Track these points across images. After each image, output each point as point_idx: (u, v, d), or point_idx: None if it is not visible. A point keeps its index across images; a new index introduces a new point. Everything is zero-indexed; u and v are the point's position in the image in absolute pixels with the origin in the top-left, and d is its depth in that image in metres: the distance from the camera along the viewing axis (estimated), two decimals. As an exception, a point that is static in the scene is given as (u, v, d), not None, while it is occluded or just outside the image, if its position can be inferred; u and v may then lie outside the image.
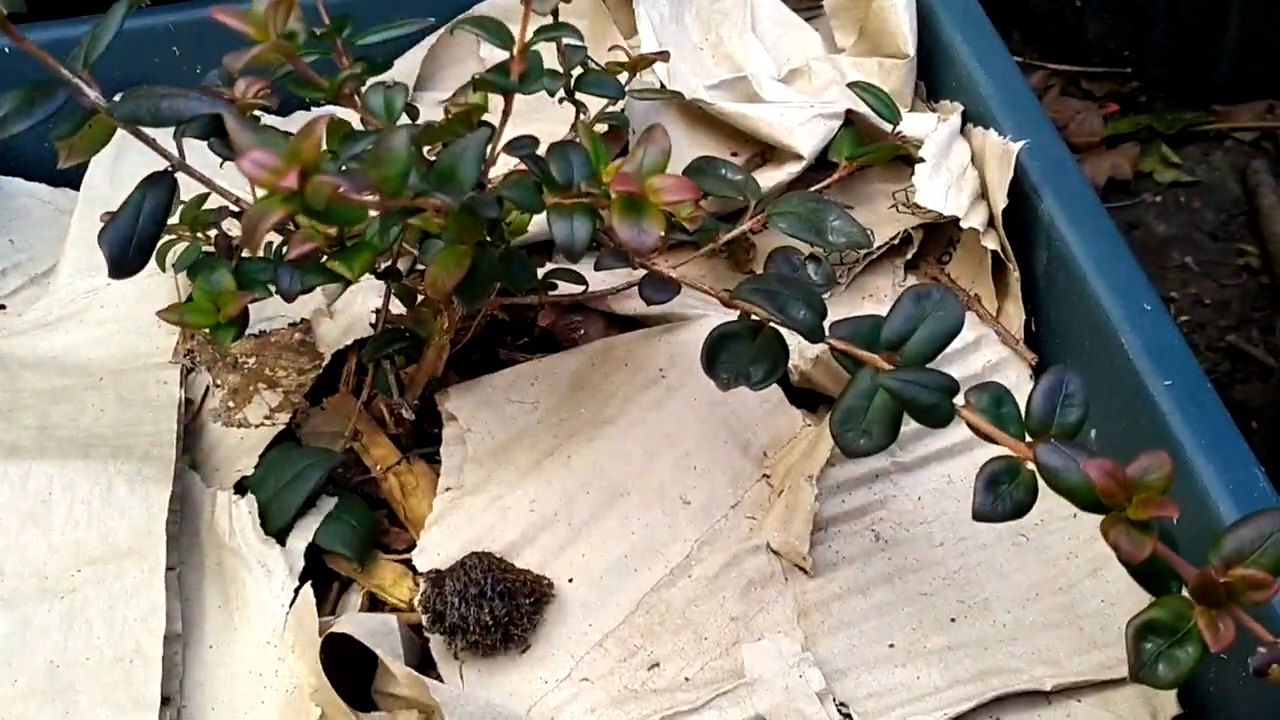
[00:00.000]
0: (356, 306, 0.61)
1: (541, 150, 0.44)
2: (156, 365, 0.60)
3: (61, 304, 0.64)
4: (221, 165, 0.55)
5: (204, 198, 0.59)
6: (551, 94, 0.52)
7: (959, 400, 0.41)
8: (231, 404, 0.59)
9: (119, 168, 0.68)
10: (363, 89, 0.44)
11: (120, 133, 0.74)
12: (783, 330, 0.46)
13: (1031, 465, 0.39)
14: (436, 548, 0.51)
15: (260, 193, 0.32)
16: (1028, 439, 0.40)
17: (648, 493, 0.52)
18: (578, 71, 0.53)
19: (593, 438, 0.54)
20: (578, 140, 0.42)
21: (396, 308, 0.57)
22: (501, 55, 0.69)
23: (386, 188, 0.34)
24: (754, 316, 0.46)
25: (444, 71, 0.74)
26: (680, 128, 0.66)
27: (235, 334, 0.49)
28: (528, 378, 0.57)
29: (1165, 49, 1.13)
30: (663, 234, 0.39)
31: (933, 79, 0.67)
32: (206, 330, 0.49)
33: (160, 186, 0.47)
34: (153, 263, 0.49)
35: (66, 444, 0.54)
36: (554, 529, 0.52)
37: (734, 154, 0.66)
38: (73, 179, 0.74)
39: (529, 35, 0.44)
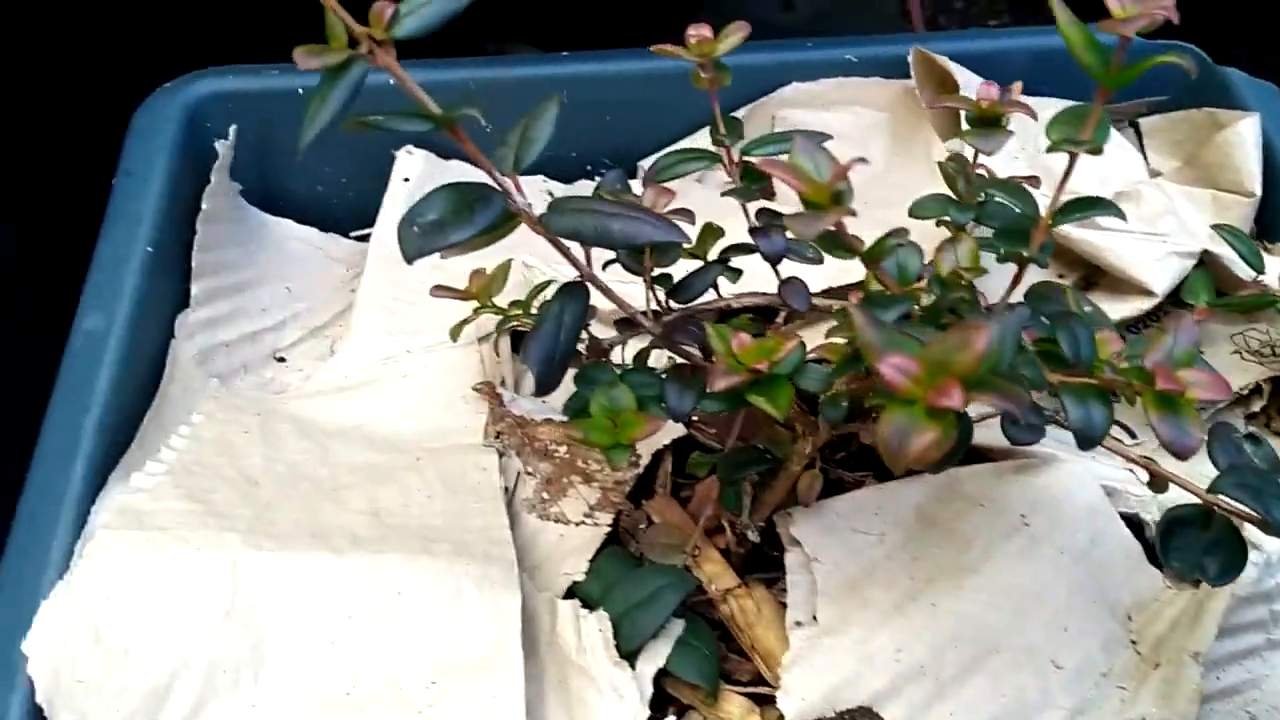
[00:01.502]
0: (674, 405, 0.59)
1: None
2: (470, 447, 0.58)
3: (359, 368, 0.62)
4: (605, 268, 0.53)
5: (547, 284, 0.57)
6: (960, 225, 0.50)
7: None
8: (545, 495, 0.57)
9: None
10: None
11: (405, 185, 0.72)
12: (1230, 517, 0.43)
13: None
14: (801, 690, 0.49)
15: (896, 397, 0.29)
16: None
17: (1018, 652, 0.50)
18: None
19: (958, 585, 0.51)
20: (1076, 311, 0.40)
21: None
22: None
23: (972, 380, 0.31)
24: (1201, 501, 0.43)
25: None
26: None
27: (628, 456, 0.46)
28: (870, 507, 0.55)
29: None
30: (1203, 436, 0.36)
31: (1271, 221, 0.64)
32: (600, 449, 0.46)
33: (576, 298, 0.45)
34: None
35: (405, 535, 0.52)
36: (921, 682, 0.49)
37: (1060, 275, 0.64)
38: (340, 225, 0.71)
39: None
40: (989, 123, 0.47)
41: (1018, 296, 0.42)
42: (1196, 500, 0.44)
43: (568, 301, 0.45)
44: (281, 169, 0.69)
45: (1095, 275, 0.63)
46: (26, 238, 0.78)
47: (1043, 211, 0.41)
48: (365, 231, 0.70)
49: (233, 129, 0.64)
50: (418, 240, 0.42)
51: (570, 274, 0.44)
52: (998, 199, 0.49)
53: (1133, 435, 0.59)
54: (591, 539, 0.55)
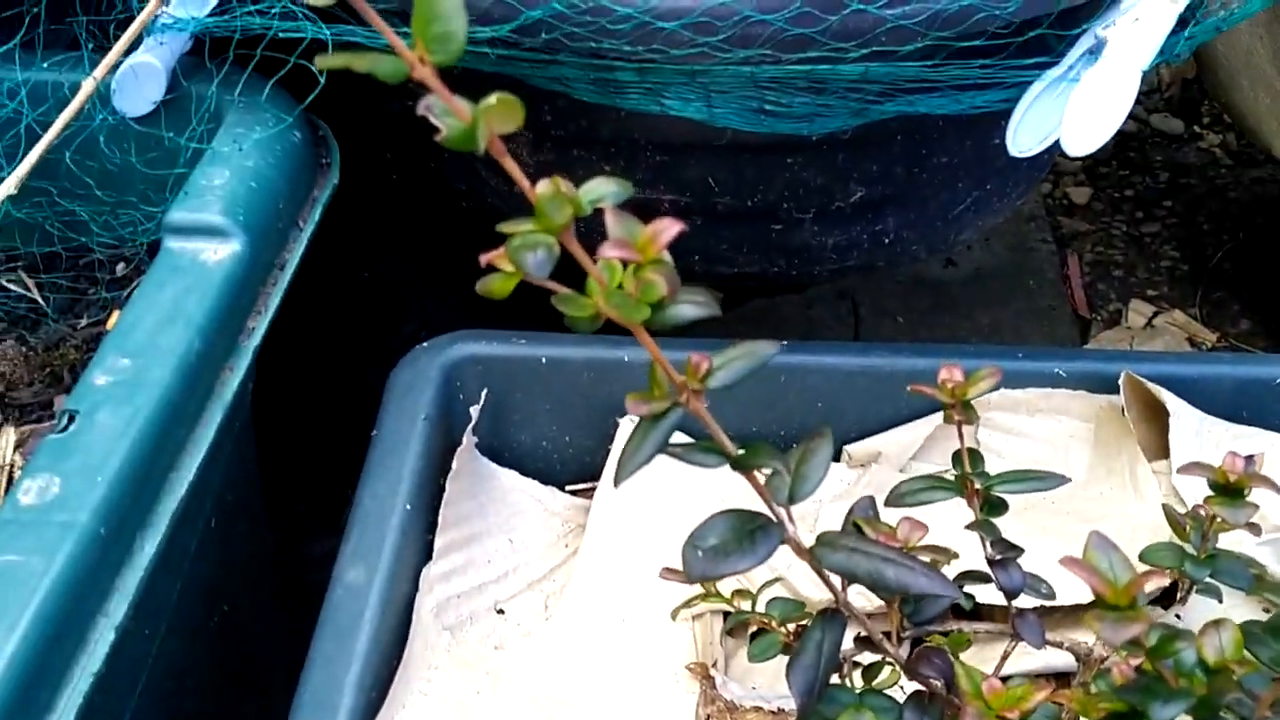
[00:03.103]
0: (882, 706, 0.60)
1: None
2: (685, 730, 0.60)
3: (576, 637, 0.65)
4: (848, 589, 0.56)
5: (773, 581, 0.60)
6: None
7: None
8: (754, 788, 0.59)
9: (628, 500, 0.70)
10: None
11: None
12: None
13: None
14: None
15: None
16: None
17: None
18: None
19: None
20: None
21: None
22: (1001, 443, 0.69)
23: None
24: None
25: (933, 450, 0.75)
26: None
27: (868, 784, 0.48)
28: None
29: None
30: None
31: None
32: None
33: (835, 626, 0.48)
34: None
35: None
36: None
37: (1266, 610, 0.64)
38: (557, 478, 0.76)
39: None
40: (1234, 493, 0.49)
41: None
42: None
43: (828, 628, 0.48)
44: (513, 424, 0.75)
45: (1304, 614, 0.64)
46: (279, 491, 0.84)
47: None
48: (580, 485, 0.75)
49: (484, 392, 0.70)
50: (701, 564, 0.46)
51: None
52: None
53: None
54: (799, 841, 0.56)
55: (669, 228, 0.40)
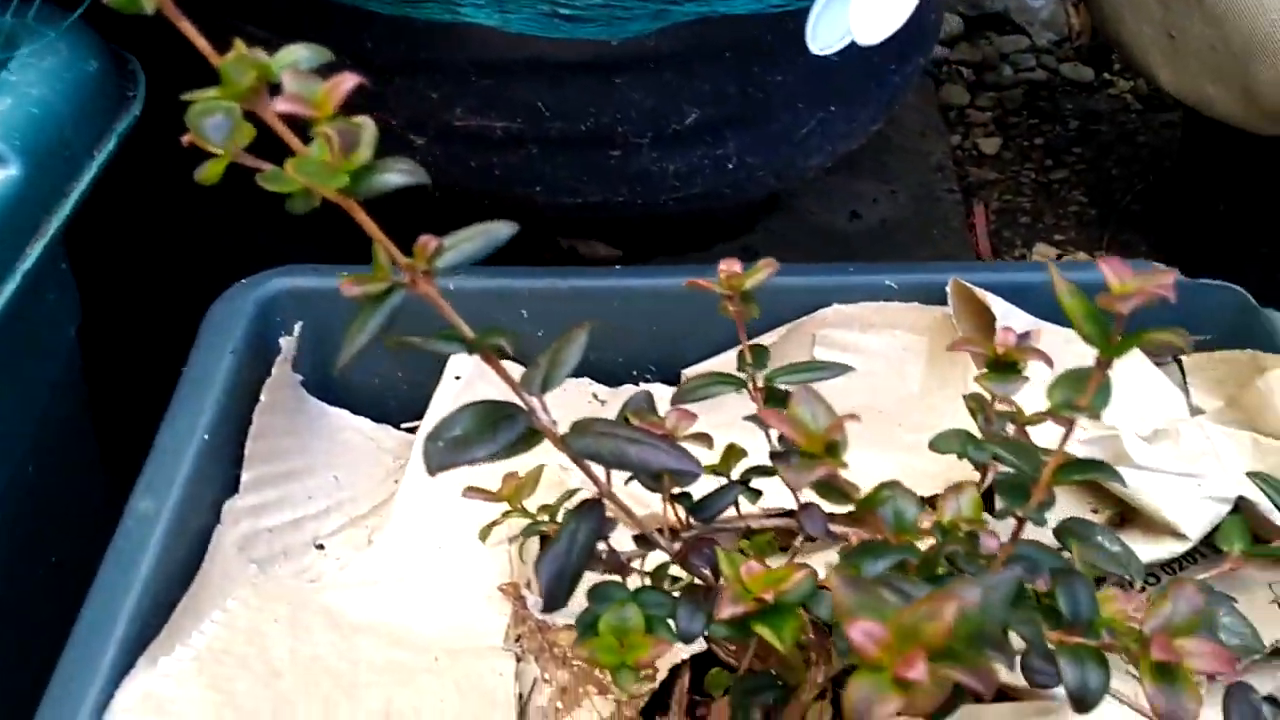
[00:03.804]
0: (697, 619, 0.59)
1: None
2: (490, 650, 0.58)
3: (390, 563, 0.63)
4: (627, 483, 0.55)
5: (575, 493, 0.58)
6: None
7: None
8: (560, 704, 0.57)
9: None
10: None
11: (455, 383, 0.75)
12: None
13: None
14: None
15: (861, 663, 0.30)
16: None
17: None
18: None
19: (970, 833, 0.50)
20: (1077, 569, 0.40)
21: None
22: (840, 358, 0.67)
23: (948, 653, 0.31)
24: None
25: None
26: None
27: (638, 678, 0.47)
28: (886, 739, 0.54)
29: None
30: (1200, 707, 0.36)
31: (1314, 465, 0.64)
32: (608, 669, 0.47)
33: (592, 517, 0.46)
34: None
35: (414, 741, 0.52)
36: None
37: (1094, 510, 0.63)
38: (392, 416, 0.75)
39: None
40: (1006, 368, 0.48)
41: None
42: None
43: (583, 519, 0.46)
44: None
45: (1129, 512, 0.62)
46: (107, 431, 0.82)
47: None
48: (415, 424, 0.73)
49: (298, 325, 0.69)
50: (441, 455, 0.44)
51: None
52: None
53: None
54: (601, 754, 0.54)
55: (347, 80, 0.38)
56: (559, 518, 0.57)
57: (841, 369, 0.53)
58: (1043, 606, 0.39)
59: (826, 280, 0.72)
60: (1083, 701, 0.37)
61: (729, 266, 0.53)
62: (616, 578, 0.52)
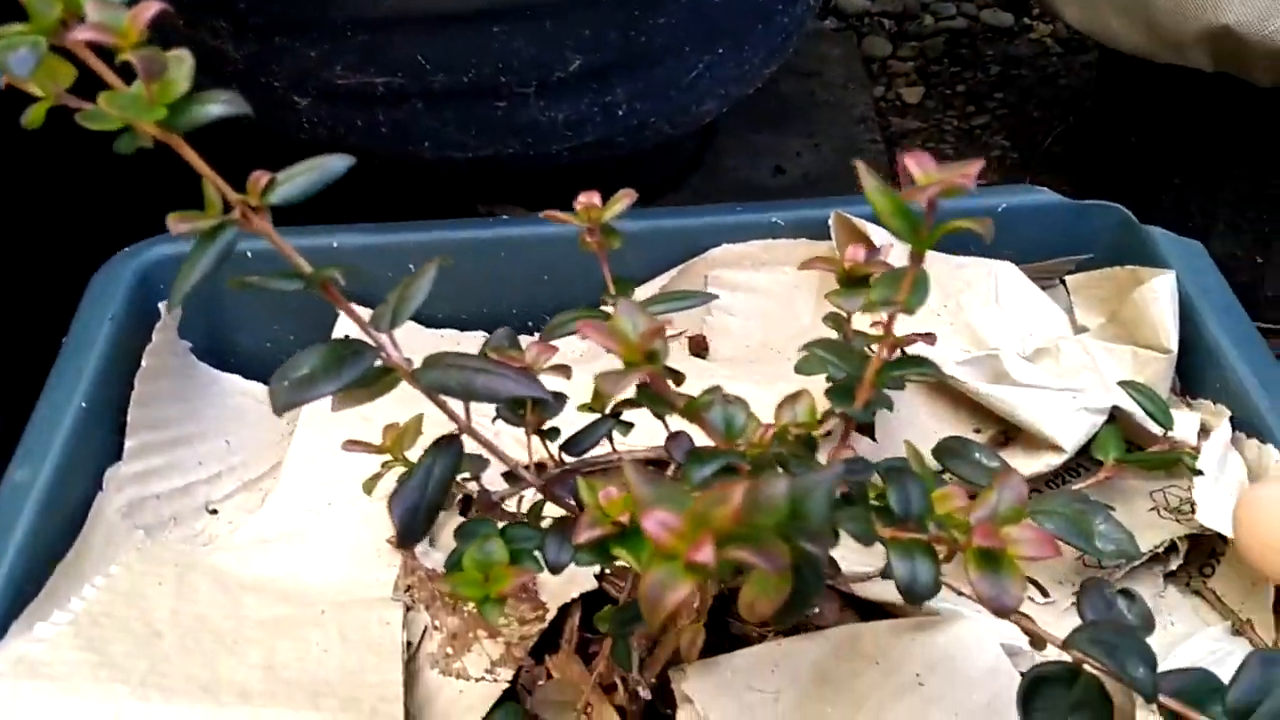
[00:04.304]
0: (584, 558, 0.59)
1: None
2: (378, 600, 0.58)
3: (279, 522, 0.63)
4: (494, 422, 0.55)
5: (454, 436, 0.58)
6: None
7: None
8: (450, 650, 0.57)
9: (347, 381, 0.68)
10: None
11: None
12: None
13: None
14: None
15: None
16: None
17: (905, 817, 0.48)
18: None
19: (845, 747, 0.50)
20: (912, 467, 0.40)
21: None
22: (737, 302, 0.68)
23: (765, 542, 0.32)
24: (1070, 658, 0.42)
25: (669, 309, 0.73)
26: (920, 397, 0.65)
27: (503, 609, 0.47)
28: (768, 663, 0.54)
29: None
30: (1024, 592, 0.36)
31: (1190, 376, 0.64)
32: (473, 603, 0.47)
33: (449, 452, 0.46)
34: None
35: (294, 689, 0.52)
36: None
37: (977, 430, 0.64)
38: (289, 379, 0.74)
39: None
40: (854, 283, 0.48)
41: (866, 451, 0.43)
42: (1066, 658, 0.43)
43: (440, 454, 0.46)
44: (230, 326, 0.72)
45: (1013, 431, 0.63)
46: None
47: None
48: (312, 387, 0.73)
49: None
50: (286, 393, 0.44)
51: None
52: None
53: (1045, 594, 0.58)
54: (489, 695, 0.54)
55: (149, 7, 0.37)
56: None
57: (707, 297, 0.53)
58: (879, 506, 0.39)
59: (715, 220, 0.72)
60: (912, 593, 0.37)
61: (587, 199, 0.52)
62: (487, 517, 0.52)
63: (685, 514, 0.30)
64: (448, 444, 0.46)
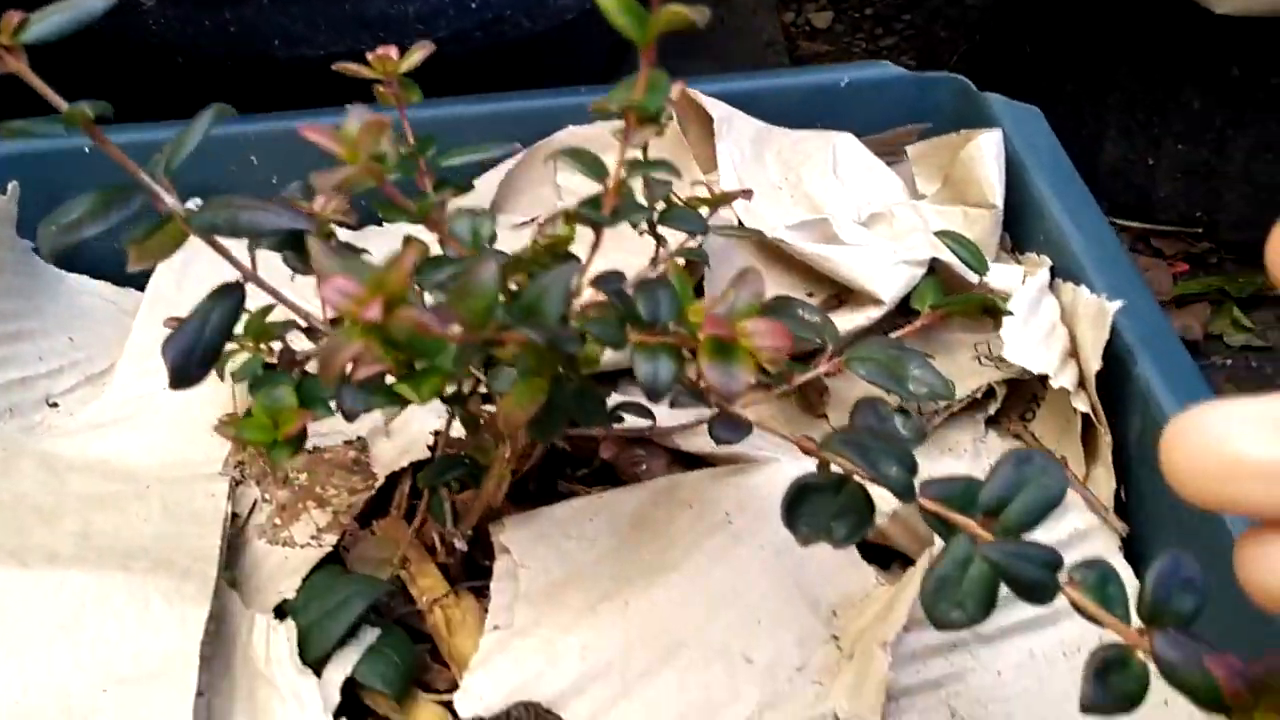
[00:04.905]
0: (414, 427, 0.59)
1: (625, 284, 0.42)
2: (206, 476, 0.58)
3: (114, 406, 0.63)
4: (293, 279, 0.54)
5: (269, 309, 0.58)
6: (635, 226, 0.52)
7: (1062, 577, 0.38)
8: (278, 521, 0.57)
9: (187, 273, 0.68)
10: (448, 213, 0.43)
11: (192, 239, 0.74)
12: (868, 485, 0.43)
13: (1143, 655, 0.35)
14: (479, 692, 0.48)
15: (334, 317, 0.30)
16: (1134, 623, 0.37)
17: (708, 648, 0.49)
18: (661, 206, 0.52)
19: (652, 584, 0.51)
20: (664, 277, 0.41)
21: (457, 430, 0.55)
22: (581, 184, 0.69)
23: (472, 321, 0.32)
24: (838, 469, 0.43)
25: (520, 196, 0.73)
26: (757, 265, 0.65)
27: (292, 452, 0.47)
28: (587, 513, 0.54)
29: (1240, 212, 1.12)
30: (752, 380, 0.36)
31: (1019, 231, 0.65)
32: (263, 447, 0.47)
33: (229, 298, 0.46)
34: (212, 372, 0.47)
35: (106, 554, 0.52)
36: (606, 680, 0.48)
37: (810, 294, 0.64)
38: (138, 280, 0.73)
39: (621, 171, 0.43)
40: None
41: (601, 264, 0.43)
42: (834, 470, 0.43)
43: (219, 301, 0.46)
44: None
45: (845, 294, 0.64)
46: None
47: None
48: (163, 286, 0.72)
49: (12, 185, 0.67)
50: (54, 237, 0.44)
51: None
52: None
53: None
54: (313, 559, 0.55)
55: None
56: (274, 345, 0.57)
57: (508, 147, 0.53)
58: (633, 316, 0.40)
59: (560, 102, 0.72)
60: (653, 391, 0.38)
61: (384, 51, 0.52)
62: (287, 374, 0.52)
63: (366, 281, 0.30)
64: (229, 291, 0.46)
